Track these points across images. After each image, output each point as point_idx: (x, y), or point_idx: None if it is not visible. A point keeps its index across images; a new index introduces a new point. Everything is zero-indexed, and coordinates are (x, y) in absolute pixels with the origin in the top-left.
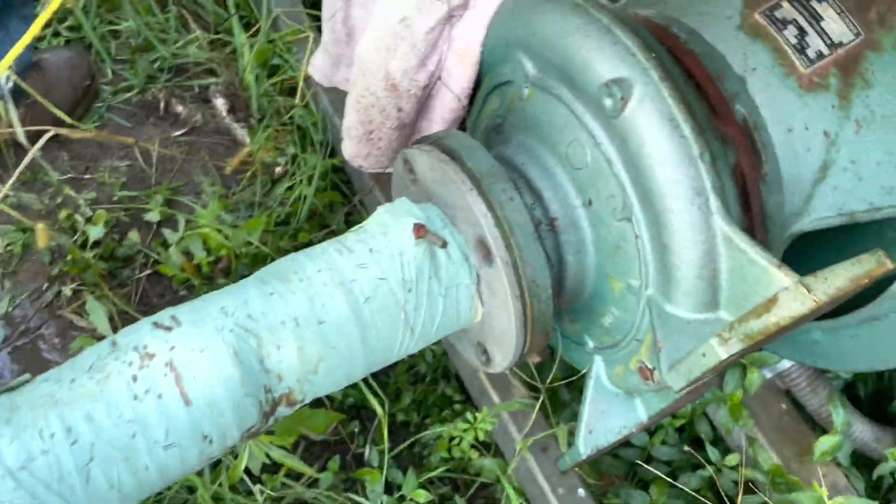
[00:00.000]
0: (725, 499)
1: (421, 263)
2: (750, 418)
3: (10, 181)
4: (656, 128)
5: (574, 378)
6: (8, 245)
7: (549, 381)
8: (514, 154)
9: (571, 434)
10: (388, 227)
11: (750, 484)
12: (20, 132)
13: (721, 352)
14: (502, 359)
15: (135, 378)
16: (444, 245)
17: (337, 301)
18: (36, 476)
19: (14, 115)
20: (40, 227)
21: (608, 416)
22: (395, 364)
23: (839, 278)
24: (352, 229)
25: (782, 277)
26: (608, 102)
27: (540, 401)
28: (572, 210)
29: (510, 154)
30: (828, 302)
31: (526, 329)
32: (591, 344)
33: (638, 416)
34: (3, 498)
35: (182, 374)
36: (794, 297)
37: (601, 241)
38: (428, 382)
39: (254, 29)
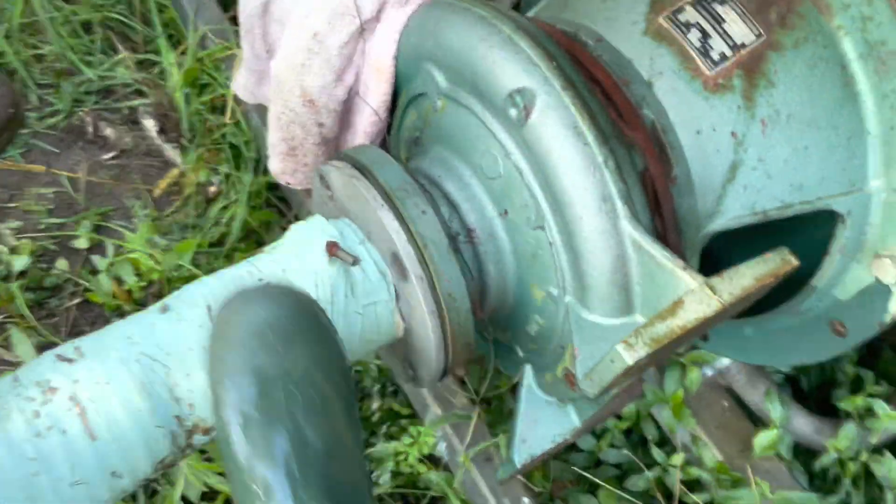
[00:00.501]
0: (674, 499)
1: (335, 282)
2: (692, 417)
3: None
4: (560, 136)
5: (513, 386)
6: None
7: (484, 390)
8: (431, 166)
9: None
10: (301, 246)
11: (697, 482)
12: None
13: (627, 357)
14: (426, 373)
15: (37, 414)
16: (355, 263)
17: None
18: None
19: None
20: None
21: (541, 425)
22: None
23: (744, 278)
24: (265, 248)
25: (688, 279)
26: (513, 112)
27: (476, 412)
28: (489, 221)
29: (427, 166)
30: (733, 302)
31: (446, 343)
32: (519, 352)
33: (571, 423)
34: None
35: (86, 407)
36: (700, 298)
37: (519, 250)
38: (373, 398)
39: (181, 48)
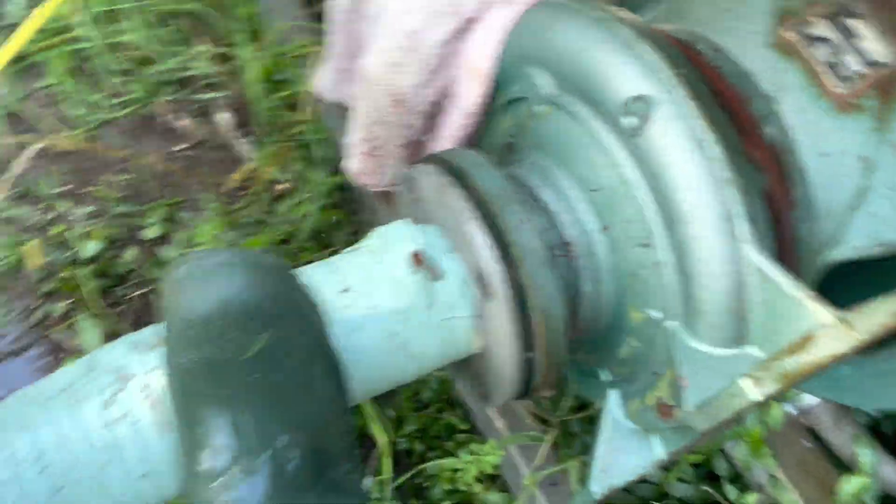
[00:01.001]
0: None
1: (416, 293)
2: (771, 456)
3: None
4: (681, 148)
5: (587, 410)
6: (1, 260)
7: (559, 412)
8: (528, 175)
9: (583, 468)
10: (385, 251)
11: None
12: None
13: (755, 394)
14: (500, 395)
15: (110, 402)
16: (440, 277)
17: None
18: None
19: None
20: (30, 245)
21: (623, 454)
22: (398, 390)
23: (880, 314)
24: (346, 250)
25: (820, 312)
26: (629, 121)
27: (552, 435)
28: (588, 235)
29: (523, 175)
30: (868, 340)
31: (531, 363)
32: (605, 377)
33: (655, 454)
34: None
35: (160, 397)
36: (835, 334)
37: (619, 268)
38: (432, 410)
39: (259, 42)
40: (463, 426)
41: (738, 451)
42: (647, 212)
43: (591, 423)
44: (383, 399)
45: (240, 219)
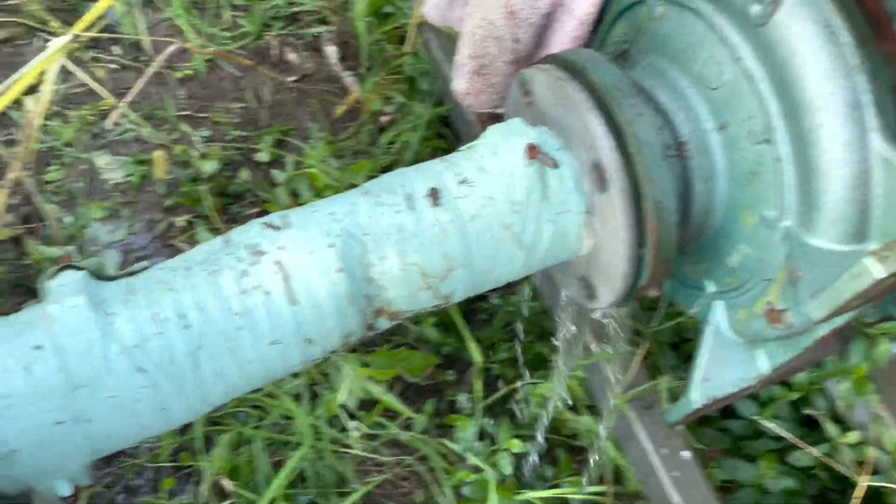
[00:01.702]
0: (841, 479)
1: (531, 185)
2: (875, 393)
3: (134, 90)
4: (810, 34)
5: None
6: (127, 175)
7: (656, 325)
8: (642, 77)
9: (676, 392)
10: (499, 147)
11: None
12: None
13: (879, 271)
14: (608, 294)
15: (244, 273)
16: (556, 166)
17: (441, 217)
18: (149, 355)
19: None
20: (158, 155)
21: (726, 367)
22: (492, 319)
23: None
24: (461, 148)
25: None
26: (755, 9)
27: (643, 348)
28: (704, 134)
29: (637, 77)
30: None
31: (641, 258)
32: (711, 288)
33: (759, 369)
34: (121, 377)
35: (290, 273)
36: None
37: (735, 167)
38: (524, 341)
39: None
40: (554, 358)
41: (840, 389)
42: (769, 106)
43: (685, 343)
44: (478, 327)
45: (345, 147)
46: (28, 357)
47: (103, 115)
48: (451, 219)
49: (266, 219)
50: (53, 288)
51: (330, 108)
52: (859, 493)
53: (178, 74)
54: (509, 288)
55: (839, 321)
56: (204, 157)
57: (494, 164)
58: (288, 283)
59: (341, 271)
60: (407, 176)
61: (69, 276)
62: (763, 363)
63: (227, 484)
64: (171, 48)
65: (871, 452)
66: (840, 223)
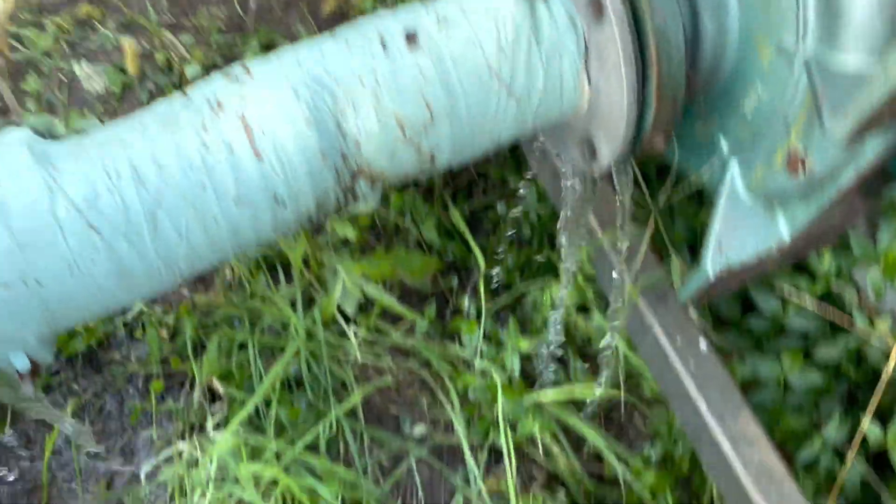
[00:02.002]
0: (870, 376)
1: (519, 23)
2: None
3: None
4: None
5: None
6: (109, 85)
7: (666, 196)
8: None
9: (684, 268)
10: None
11: None
12: None
13: None
14: (610, 146)
15: (204, 128)
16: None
17: (420, 61)
18: (102, 213)
19: None
20: (129, 43)
21: (742, 231)
22: (497, 227)
23: None
24: None
25: None
26: None
27: (650, 228)
28: None
29: None
30: None
31: (644, 97)
32: (725, 145)
33: (779, 233)
34: (71, 236)
35: (252, 126)
36: None
37: None
38: (532, 249)
39: None
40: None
41: (870, 276)
42: None
43: (696, 217)
44: (482, 234)
45: None
46: None
47: (82, 23)
48: (431, 63)
49: (227, 69)
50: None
51: (318, 10)
52: (885, 377)
53: None
54: (512, 197)
55: (868, 156)
56: (186, 61)
57: (478, 4)
58: (251, 136)
59: (310, 123)
60: (381, 18)
61: (11, 132)
62: (783, 227)
63: (219, 386)
64: None
65: None
66: (868, 37)
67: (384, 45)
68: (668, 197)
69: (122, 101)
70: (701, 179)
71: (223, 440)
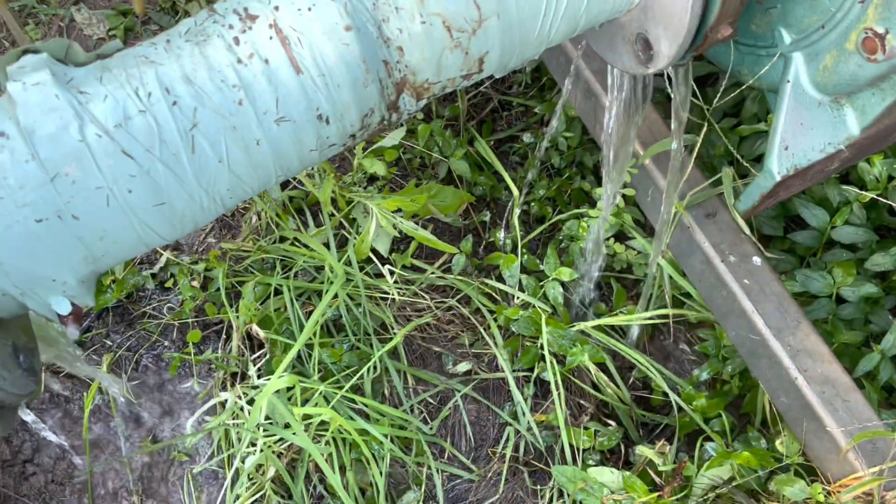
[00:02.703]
0: None
1: None
2: None
3: None
4: None
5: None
6: (110, 31)
7: (717, 102)
8: None
9: (740, 191)
10: None
11: None
12: None
13: None
14: (671, 41)
15: (237, 41)
16: None
17: None
18: (135, 137)
19: None
20: None
21: (809, 129)
22: (525, 158)
23: None
24: None
25: None
26: None
27: (700, 137)
28: None
29: None
30: None
31: None
32: (787, 38)
33: (848, 129)
34: (105, 163)
35: (289, 36)
36: None
37: None
38: (563, 178)
39: None
40: (597, 191)
41: None
42: None
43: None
44: (512, 167)
45: None
46: None
47: None
48: None
49: None
50: (13, 70)
51: None
52: None
53: None
54: (538, 125)
55: None
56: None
57: None
58: (288, 47)
59: (350, 29)
60: None
61: (30, 58)
62: (852, 121)
63: (259, 331)
64: None
65: None
66: None
67: None
68: (717, 108)
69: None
70: (761, 81)
71: (271, 385)
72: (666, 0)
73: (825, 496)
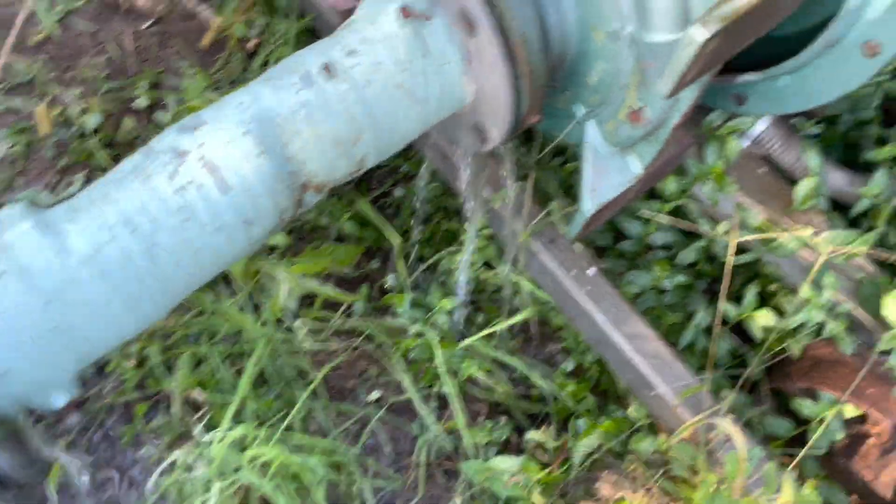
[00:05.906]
0: (720, 267)
1: (411, 43)
2: (734, 184)
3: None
4: None
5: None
6: (12, 147)
7: (538, 155)
8: None
9: (569, 216)
10: (375, 16)
11: (743, 251)
12: None
13: (700, 34)
14: (498, 129)
15: (175, 174)
16: (428, 18)
17: (340, 87)
18: (108, 261)
19: None
20: (40, 109)
21: (606, 174)
22: (401, 207)
23: None
24: (342, 25)
25: None
26: None
27: (531, 179)
28: None
29: None
30: None
31: (519, 88)
32: (581, 110)
33: (633, 170)
34: (86, 285)
35: (216, 164)
36: None
37: None
38: (433, 224)
39: None
40: (463, 230)
41: (706, 190)
42: None
43: (563, 172)
44: (389, 218)
45: (220, 78)
46: None
47: None
48: (349, 87)
49: (179, 123)
50: (2, 217)
51: (195, 44)
52: (729, 259)
53: (33, 41)
54: (408, 179)
55: (686, 101)
56: (84, 112)
57: (374, 32)
58: (216, 173)
59: (262, 153)
60: (300, 57)
61: (9, 209)
62: (635, 164)
63: (200, 395)
64: (22, 15)
65: (741, 234)
66: (668, 15)
67: (307, 79)
68: (540, 158)
69: (28, 160)
70: (567, 140)
71: (222, 437)
72: (491, 100)
73: (667, 447)
